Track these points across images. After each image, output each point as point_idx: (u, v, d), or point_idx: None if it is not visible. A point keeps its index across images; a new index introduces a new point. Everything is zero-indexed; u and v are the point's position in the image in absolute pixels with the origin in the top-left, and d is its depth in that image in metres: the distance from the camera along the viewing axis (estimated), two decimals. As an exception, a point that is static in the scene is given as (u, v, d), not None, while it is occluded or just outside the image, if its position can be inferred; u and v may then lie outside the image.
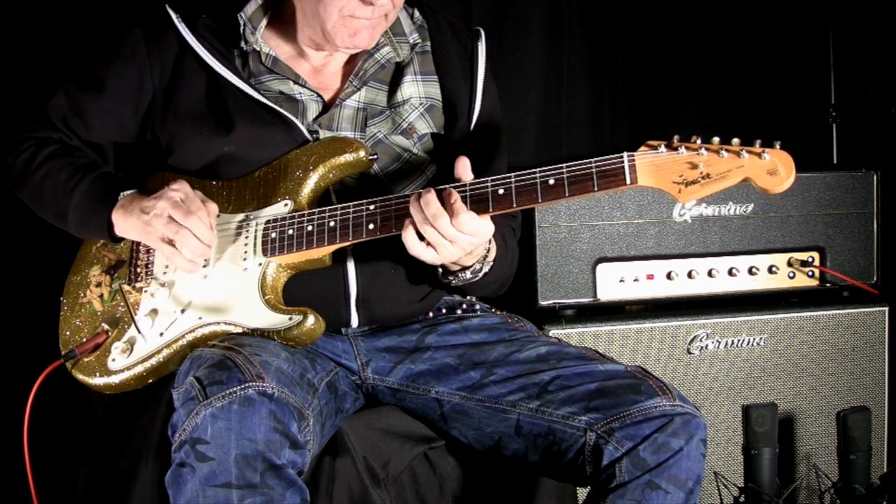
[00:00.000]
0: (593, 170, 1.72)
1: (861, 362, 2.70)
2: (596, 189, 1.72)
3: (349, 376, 2.03)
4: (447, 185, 1.78)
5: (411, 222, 1.77)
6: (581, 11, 3.21)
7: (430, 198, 1.75)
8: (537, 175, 1.75)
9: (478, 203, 1.76)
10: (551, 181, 1.74)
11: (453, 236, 1.75)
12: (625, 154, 1.72)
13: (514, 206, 1.76)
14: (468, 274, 1.92)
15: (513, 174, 1.77)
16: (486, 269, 1.93)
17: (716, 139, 1.69)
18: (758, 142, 1.68)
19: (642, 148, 1.73)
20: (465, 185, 1.78)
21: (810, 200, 2.71)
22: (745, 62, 3.28)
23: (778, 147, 1.68)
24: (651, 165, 1.70)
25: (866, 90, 3.12)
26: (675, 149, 1.70)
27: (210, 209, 1.88)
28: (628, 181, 1.71)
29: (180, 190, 1.86)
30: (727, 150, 1.68)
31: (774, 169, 1.67)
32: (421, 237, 1.77)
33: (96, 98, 2.03)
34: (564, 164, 1.74)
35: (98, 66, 2.05)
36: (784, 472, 2.65)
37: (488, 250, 1.92)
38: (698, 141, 1.70)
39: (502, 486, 2.03)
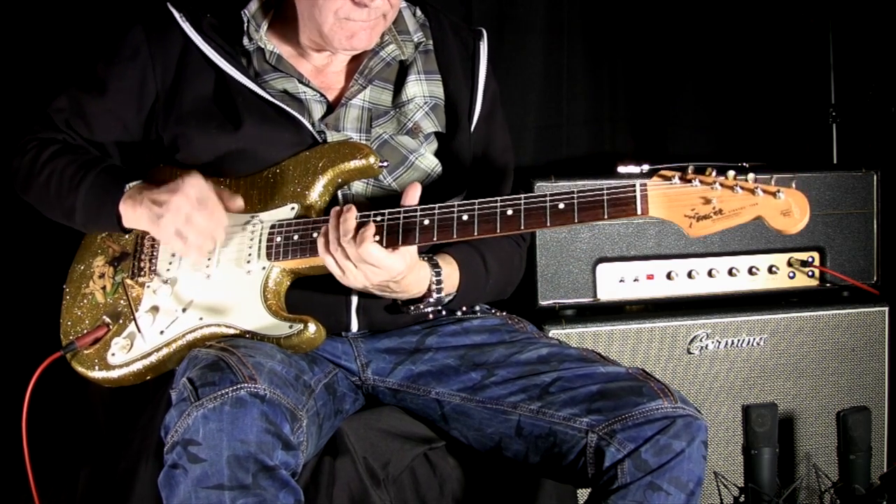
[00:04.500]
0: (604, 196, 1.69)
1: (861, 362, 2.71)
2: (606, 217, 1.69)
3: (349, 377, 2.02)
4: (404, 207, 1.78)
5: (323, 234, 1.78)
6: (581, 12, 3.20)
7: (349, 216, 1.76)
8: (547, 198, 1.73)
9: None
10: (561, 205, 1.72)
11: (356, 261, 1.76)
12: (637, 183, 1.68)
13: (523, 227, 1.74)
14: (421, 306, 1.92)
15: (522, 195, 1.76)
16: (436, 299, 1.92)
17: (731, 173, 1.65)
18: (773, 179, 1.65)
19: (655, 178, 1.69)
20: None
21: (810, 200, 2.67)
22: (746, 62, 3.28)
23: (794, 187, 1.65)
24: (663, 197, 1.67)
25: (866, 90, 3.12)
26: (689, 181, 1.66)
27: (235, 204, 1.89)
28: (639, 211, 1.67)
29: (196, 185, 1.84)
30: (742, 187, 1.64)
31: (788, 210, 1.64)
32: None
33: (98, 99, 2.02)
34: (576, 190, 1.72)
35: (100, 68, 2.04)
36: (784, 472, 2.65)
37: (440, 282, 1.90)
38: (713, 174, 1.66)
39: (502, 487, 2.03)
